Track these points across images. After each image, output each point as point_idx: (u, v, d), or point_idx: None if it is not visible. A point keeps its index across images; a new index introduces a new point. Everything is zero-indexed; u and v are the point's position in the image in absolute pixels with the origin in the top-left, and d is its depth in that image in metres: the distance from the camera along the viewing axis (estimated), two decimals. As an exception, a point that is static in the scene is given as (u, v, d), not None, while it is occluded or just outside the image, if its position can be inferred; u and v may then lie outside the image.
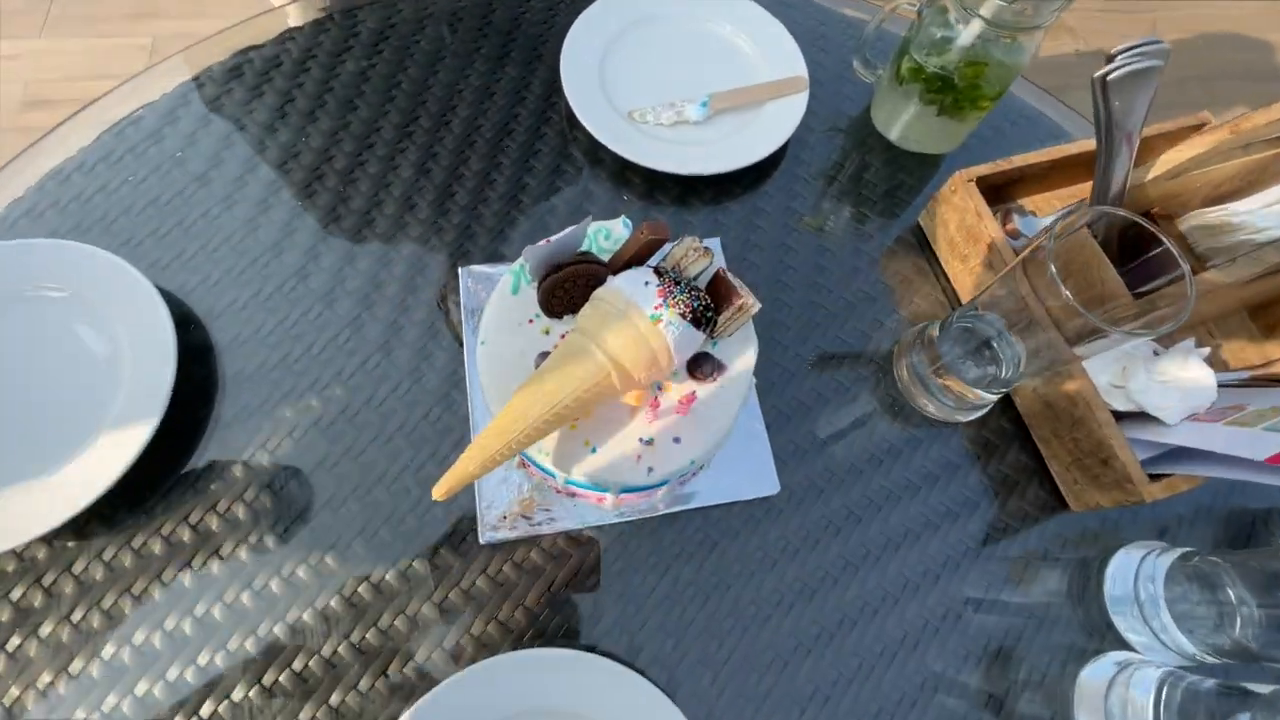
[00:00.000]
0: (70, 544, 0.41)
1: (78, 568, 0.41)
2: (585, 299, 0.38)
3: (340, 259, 0.50)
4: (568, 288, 0.38)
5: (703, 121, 0.55)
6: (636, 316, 0.34)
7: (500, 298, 0.40)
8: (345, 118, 0.55)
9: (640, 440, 0.37)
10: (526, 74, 0.58)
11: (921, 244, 0.54)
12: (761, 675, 0.41)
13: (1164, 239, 0.34)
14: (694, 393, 0.38)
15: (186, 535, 0.42)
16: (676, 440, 0.38)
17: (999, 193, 0.52)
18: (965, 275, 0.50)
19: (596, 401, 0.35)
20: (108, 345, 0.45)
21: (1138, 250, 0.37)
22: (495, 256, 0.51)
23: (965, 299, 0.51)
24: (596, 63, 0.56)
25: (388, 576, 0.42)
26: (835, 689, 0.41)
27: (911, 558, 0.45)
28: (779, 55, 0.57)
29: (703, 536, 0.44)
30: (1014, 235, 0.50)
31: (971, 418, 0.48)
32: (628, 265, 0.39)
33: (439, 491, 0.32)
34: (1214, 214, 0.39)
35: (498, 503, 0.43)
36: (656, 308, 0.35)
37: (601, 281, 0.38)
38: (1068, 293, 0.33)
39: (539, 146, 0.56)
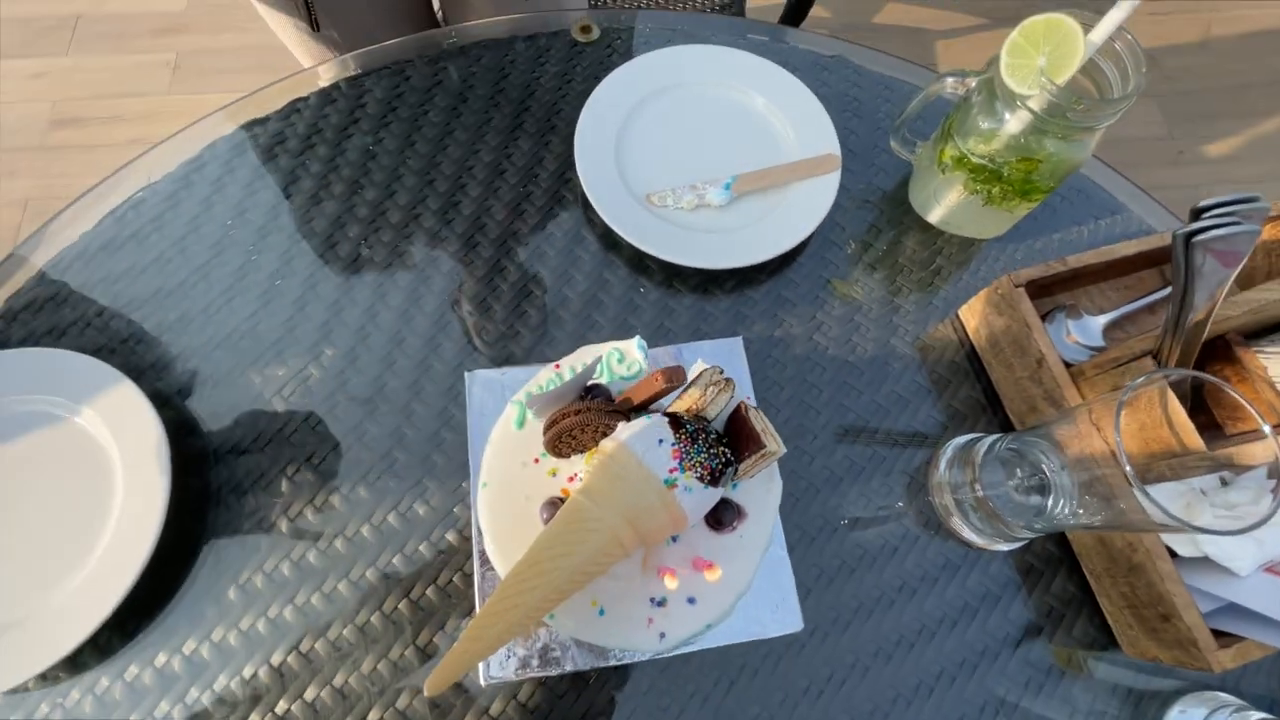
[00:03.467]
0: (62, 676, 0.40)
1: (99, 688, 0.40)
2: (595, 439, 0.36)
3: (342, 359, 0.48)
4: (576, 435, 0.35)
5: (726, 205, 0.51)
6: (648, 484, 0.31)
7: (503, 435, 0.38)
8: (350, 200, 0.53)
9: (651, 601, 0.35)
10: (539, 148, 0.55)
11: (962, 338, 0.50)
12: (780, 836, 0.38)
13: (1247, 405, 0.29)
14: (711, 549, 0.35)
15: (177, 665, 0.40)
16: (691, 601, 0.35)
17: (1050, 288, 0.48)
18: (1009, 384, 0.46)
19: (605, 571, 0.32)
20: (102, 464, 0.43)
21: (1195, 390, 0.33)
22: (505, 356, 0.48)
23: (1009, 408, 0.47)
24: (613, 139, 0.53)
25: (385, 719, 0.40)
26: None
27: (948, 701, 0.41)
28: (811, 130, 0.53)
29: (719, 675, 0.41)
30: (1075, 346, 0.46)
31: (1014, 547, 0.44)
32: (640, 407, 0.36)
33: (431, 688, 0.29)
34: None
35: (502, 638, 0.41)
36: (671, 471, 0.32)
37: (611, 430, 0.35)
38: (1129, 468, 0.29)
39: (552, 230, 0.53)
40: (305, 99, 0.56)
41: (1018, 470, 0.40)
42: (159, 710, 0.39)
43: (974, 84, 0.44)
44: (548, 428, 0.35)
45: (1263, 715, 0.38)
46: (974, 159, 0.45)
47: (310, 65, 0.58)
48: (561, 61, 0.59)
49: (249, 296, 0.50)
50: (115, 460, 0.43)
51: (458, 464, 0.45)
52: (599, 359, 0.38)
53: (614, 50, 0.59)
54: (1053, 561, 0.45)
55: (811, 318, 0.51)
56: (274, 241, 0.51)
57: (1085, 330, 0.46)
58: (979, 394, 0.49)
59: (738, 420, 0.36)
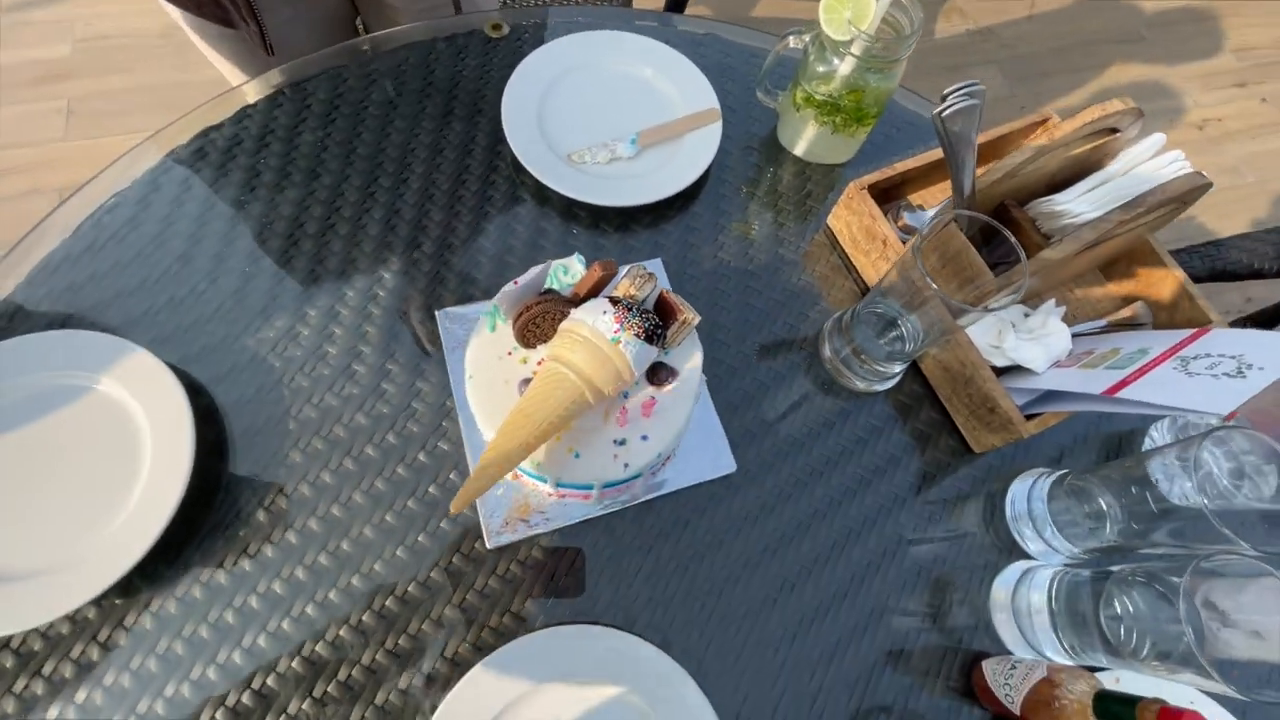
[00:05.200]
0: (118, 601, 0.46)
1: (129, 620, 0.46)
2: (554, 330, 0.46)
3: (324, 316, 0.56)
4: (539, 322, 0.45)
5: (634, 157, 0.62)
6: (600, 341, 0.42)
7: (480, 337, 0.47)
8: (310, 186, 0.61)
9: (614, 442, 0.45)
10: (471, 128, 0.65)
11: (833, 243, 0.63)
12: (739, 626, 0.49)
13: (1003, 231, 0.43)
14: (654, 397, 0.46)
15: (223, 579, 0.47)
16: (644, 438, 0.45)
17: (891, 193, 0.62)
18: (869, 268, 0.59)
19: (576, 416, 0.42)
20: (130, 421, 0.49)
21: (996, 236, 0.47)
22: (466, 297, 0.57)
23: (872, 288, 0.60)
24: (534, 112, 0.63)
25: (410, 589, 0.48)
26: (801, 628, 0.50)
27: (853, 510, 0.53)
28: (693, 90, 0.65)
29: (676, 517, 0.52)
30: (907, 230, 0.60)
31: (888, 386, 0.57)
32: (587, 298, 0.46)
33: (456, 506, 0.38)
34: (1044, 204, 0.49)
35: (498, 511, 0.50)
36: (615, 332, 0.42)
37: (566, 315, 0.45)
38: (934, 284, 0.41)
39: (491, 194, 0.62)
40: (254, 105, 0.64)
41: (878, 322, 0.53)
42: (239, 601, 0.46)
43: (808, 38, 0.57)
44: (515, 321, 0.45)
45: (1063, 470, 0.52)
46: (818, 96, 0.58)
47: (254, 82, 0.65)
48: (479, 55, 0.69)
49: (231, 276, 0.57)
50: (142, 420, 0.49)
51: (440, 387, 0.54)
52: (548, 267, 0.48)
53: (524, 42, 0.70)
54: (917, 398, 0.58)
55: (714, 239, 0.62)
56: (246, 228, 0.59)
57: (918, 219, 0.60)
58: (852, 283, 0.62)
59: (661, 302, 0.47)
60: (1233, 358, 0.42)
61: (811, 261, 0.62)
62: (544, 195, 0.62)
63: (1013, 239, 0.42)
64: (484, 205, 0.62)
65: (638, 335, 0.43)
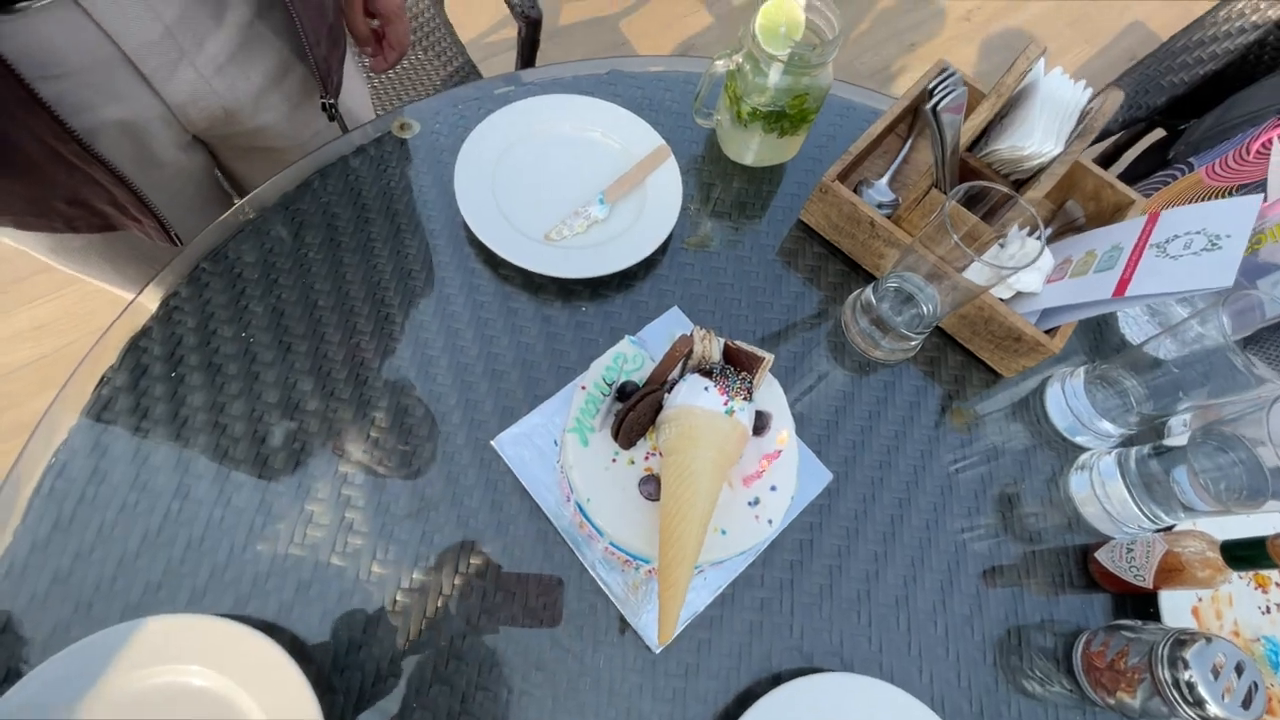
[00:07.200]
0: None
1: None
2: (650, 420, 0.45)
3: (371, 483, 0.50)
4: (640, 420, 0.44)
5: (607, 217, 0.61)
6: (715, 419, 0.41)
7: (577, 458, 0.45)
8: (285, 351, 0.54)
9: (749, 504, 0.45)
10: (427, 237, 0.60)
11: (810, 234, 0.66)
12: (896, 616, 0.52)
13: (1006, 189, 0.48)
14: (763, 446, 0.46)
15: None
16: (774, 488, 0.46)
17: (843, 175, 0.65)
18: (857, 248, 0.63)
19: (716, 499, 0.42)
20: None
21: (972, 198, 0.51)
22: (508, 416, 0.54)
23: (865, 264, 0.64)
24: (493, 203, 0.59)
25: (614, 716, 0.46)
26: (944, 593, 0.53)
27: (935, 469, 0.57)
28: (635, 135, 0.65)
29: (799, 541, 0.53)
30: (875, 203, 0.64)
31: (913, 353, 0.61)
32: (665, 375, 0.45)
33: (664, 635, 0.37)
34: (1007, 150, 0.55)
35: (646, 616, 0.48)
36: (725, 404, 0.42)
37: (659, 403, 0.44)
38: (958, 242, 0.45)
39: (481, 300, 0.59)
40: (176, 293, 0.55)
41: (897, 297, 0.56)
42: None
43: (739, 57, 0.58)
44: (615, 428, 0.44)
45: (1084, 364, 0.59)
46: (763, 109, 0.60)
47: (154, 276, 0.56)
48: (399, 160, 0.64)
49: (251, 464, 0.50)
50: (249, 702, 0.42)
51: (528, 514, 0.51)
52: (607, 366, 0.47)
53: (438, 134, 0.66)
54: (940, 349, 0.63)
55: (708, 266, 0.63)
56: (236, 410, 0.51)
57: (879, 190, 0.65)
58: (842, 265, 0.65)
59: (730, 353, 0.47)
60: (1199, 233, 0.50)
61: (799, 258, 0.65)
62: (535, 284, 0.59)
63: (1015, 194, 0.47)
64: (481, 315, 0.58)
65: (745, 399, 0.43)
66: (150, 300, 0.55)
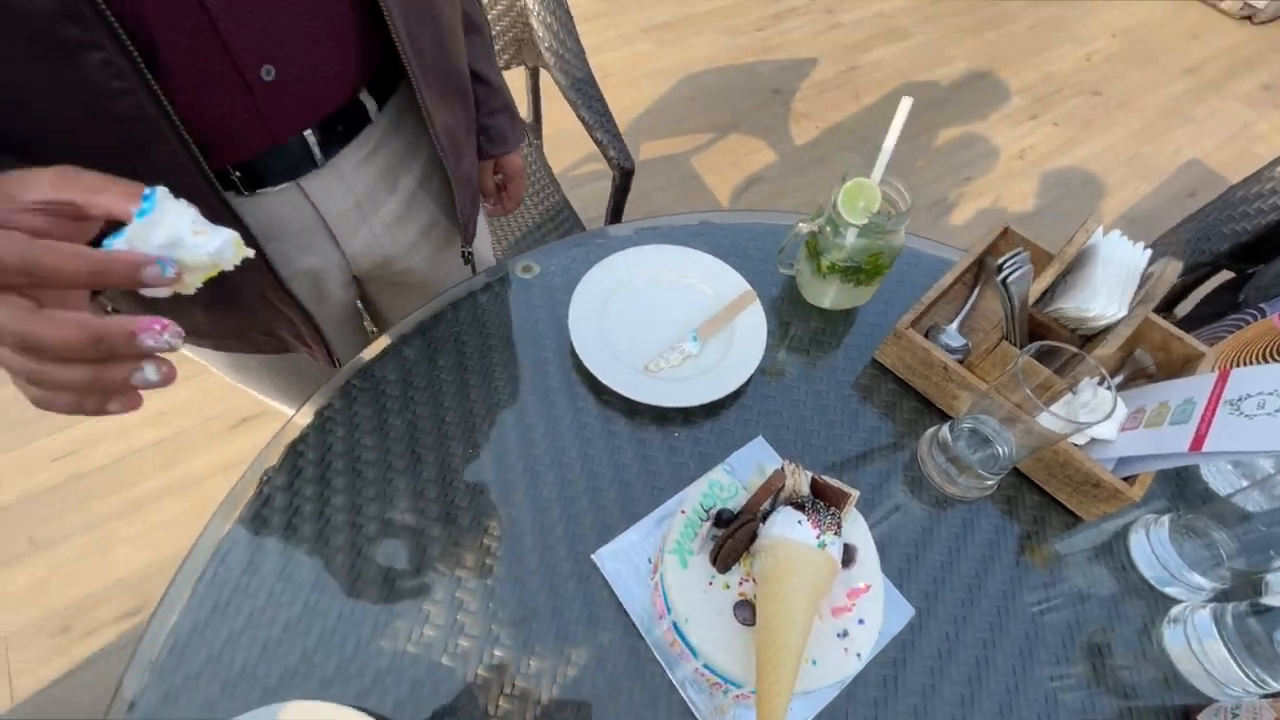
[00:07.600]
0: None
1: None
2: (745, 547, 0.49)
3: (485, 594, 0.55)
4: (734, 546, 0.48)
5: (700, 352, 0.69)
6: (808, 552, 0.45)
7: (677, 580, 0.49)
8: (416, 452, 0.62)
9: (838, 636, 0.47)
10: (539, 366, 0.69)
11: (884, 371, 0.72)
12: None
13: (1074, 350, 0.52)
14: (850, 580, 0.49)
15: None
16: (861, 622, 0.48)
17: (917, 323, 0.71)
18: (931, 388, 0.68)
19: (809, 628, 0.45)
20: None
21: (1043, 353, 0.56)
22: (606, 532, 0.59)
23: (939, 403, 0.68)
24: (599, 337, 0.68)
25: None
26: (1005, 717, 0.52)
27: (1017, 608, 0.58)
28: (725, 280, 0.74)
29: (883, 677, 0.54)
30: (946, 348, 0.69)
31: (990, 492, 0.63)
32: (758, 505, 0.50)
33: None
34: (1071, 309, 0.60)
35: (734, 740, 0.50)
36: (817, 537, 0.46)
37: (753, 532, 0.48)
38: (1030, 394, 0.49)
39: (585, 421, 0.66)
40: (330, 404, 0.65)
41: (973, 437, 0.60)
42: None
43: (822, 220, 0.67)
44: (714, 553, 0.48)
45: (1168, 513, 0.59)
46: (841, 264, 0.67)
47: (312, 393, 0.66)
48: (520, 297, 0.74)
49: (379, 561, 0.55)
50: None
51: (623, 630, 0.54)
52: (704, 492, 0.52)
53: (553, 274, 0.76)
54: (1017, 488, 0.65)
55: (790, 399, 0.69)
56: (374, 509, 0.58)
57: (950, 335, 0.70)
58: (915, 403, 0.70)
59: (817, 487, 0.51)
60: (1272, 394, 0.52)
61: (874, 394, 0.70)
62: (633, 410, 0.66)
63: (1084, 353, 0.51)
64: (583, 434, 0.65)
65: (835, 533, 0.47)
66: (307, 411, 0.64)
